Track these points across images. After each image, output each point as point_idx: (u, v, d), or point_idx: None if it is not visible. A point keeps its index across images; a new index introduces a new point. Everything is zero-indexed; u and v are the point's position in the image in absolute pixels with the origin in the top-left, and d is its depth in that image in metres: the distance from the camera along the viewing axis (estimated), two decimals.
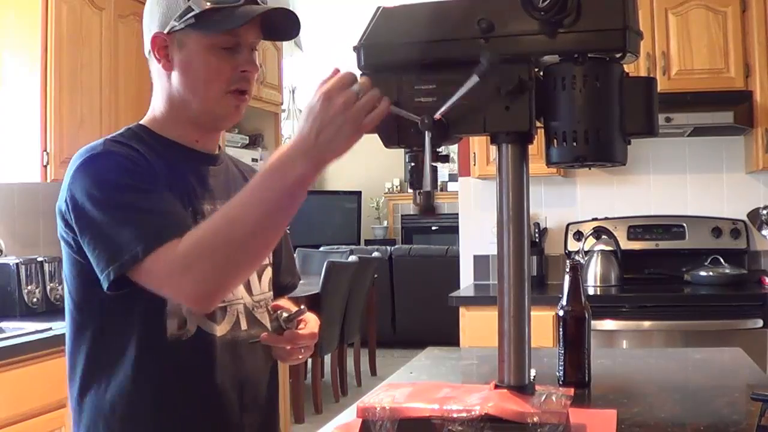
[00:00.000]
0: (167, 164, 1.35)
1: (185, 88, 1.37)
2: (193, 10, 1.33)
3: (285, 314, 1.43)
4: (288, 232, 1.58)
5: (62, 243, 1.34)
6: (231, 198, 1.31)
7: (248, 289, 1.44)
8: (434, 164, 1.27)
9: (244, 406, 1.41)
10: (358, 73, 1.27)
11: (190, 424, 1.35)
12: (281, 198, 1.20)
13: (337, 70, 1.20)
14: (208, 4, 1.33)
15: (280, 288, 1.61)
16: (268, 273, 1.52)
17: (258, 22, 1.37)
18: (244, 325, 1.42)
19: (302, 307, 1.45)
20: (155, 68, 1.40)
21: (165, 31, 1.36)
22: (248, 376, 1.42)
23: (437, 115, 1.19)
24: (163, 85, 1.40)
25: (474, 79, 1.15)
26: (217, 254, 1.19)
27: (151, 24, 1.39)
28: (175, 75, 1.38)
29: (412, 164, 1.25)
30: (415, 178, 1.26)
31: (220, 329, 1.37)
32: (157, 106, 1.42)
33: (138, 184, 1.27)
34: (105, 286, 1.24)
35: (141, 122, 1.43)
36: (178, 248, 1.19)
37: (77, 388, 1.35)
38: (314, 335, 1.47)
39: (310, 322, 1.50)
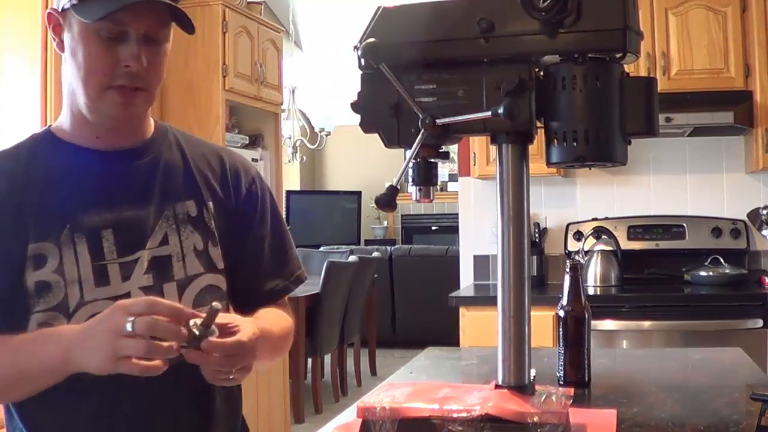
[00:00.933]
0: (53, 175, 1.24)
1: (73, 75, 1.24)
2: None
3: (198, 320, 1.10)
4: (282, 229, 1.44)
5: None
6: (151, 200, 1.26)
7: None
8: (432, 162, 1.27)
9: None
10: (358, 73, 1.27)
11: None
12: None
13: (212, 307, 1.07)
14: None
15: (267, 294, 1.41)
16: (198, 286, 1.28)
17: (155, 11, 1.21)
18: None
19: (214, 304, 1.09)
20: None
21: (59, 9, 1.23)
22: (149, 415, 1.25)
23: (440, 122, 1.19)
24: (63, 70, 1.28)
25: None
26: None
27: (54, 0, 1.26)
28: (66, 59, 1.25)
29: (417, 160, 1.25)
30: (416, 173, 1.26)
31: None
32: (63, 104, 1.30)
33: None
34: None
35: (52, 125, 1.32)
36: None
37: None
38: (241, 344, 1.12)
39: (243, 328, 1.15)
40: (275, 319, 1.36)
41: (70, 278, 1.20)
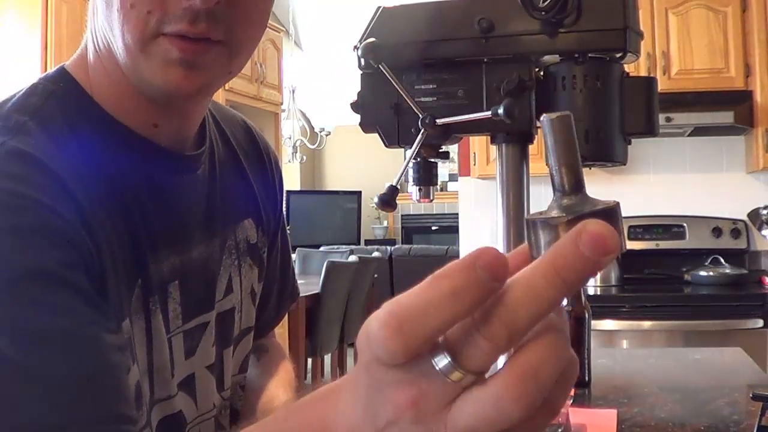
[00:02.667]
0: (117, 184, 0.75)
1: (105, 14, 0.75)
2: None
3: None
4: (286, 234, 1.07)
5: None
6: (215, 225, 0.85)
7: (209, 389, 0.85)
8: (433, 162, 1.27)
9: None
10: (358, 73, 1.27)
11: None
12: None
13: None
14: None
15: (264, 324, 1.04)
16: (248, 343, 0.93)
17: None
18: None
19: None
20: None
21: None
22: None
23: (440, 122, 1.19)
24: (90, 9, 0.80)
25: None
26: None
27: None
28: None
29: (417, 160, 1.25)
30: (416, 173, 1.26)
31: None
32: (88, 45, 0.81)
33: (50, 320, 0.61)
34: None
35: (72, 72, 0.80)
36: None
37: None
38: None
39: None
40: (283, 381, 1.02)
41: (141, 369, 0.75)
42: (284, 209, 4.93)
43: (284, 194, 1.06)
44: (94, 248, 0.68)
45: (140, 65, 0.73)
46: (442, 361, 0.40)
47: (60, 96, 0.77)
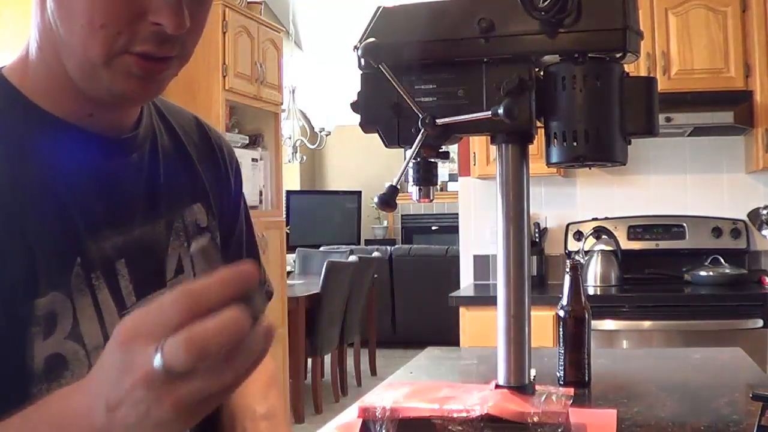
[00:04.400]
0: (41, 172, 0.80)
1: (64, 22, 0.78)
2: None
3: None
4: (251, 227, 1.11)
5: None
6: (160, 207, 0.90)
7: None
8: (432, 162, 1.27)
9: None
10: (358, 73, 1.27)
11: None
12: None
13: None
14: None
15: None
16: None
17: None
18: None
19: None
20: None
21: None
22: None
23: (440, 122, 1.19)
24: (35, 8, 0.82)
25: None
26: None
27: None
28: None
29: (417, 160, 1.25)
30: (416, 173, 1.26)
31: None
32: (31, 43, 0.84)
33: None
34: None
35: (6, 74, 0.85)
36: None
37: None
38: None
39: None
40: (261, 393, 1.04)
41: (92, 343, 0.80)
42: (283, 209, 4.94)
43: (242, 186, 1.10)
44: (13, 250, 0.74)
45: (100, 75, 0.78)
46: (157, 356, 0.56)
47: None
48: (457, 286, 4.17)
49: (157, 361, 0.56)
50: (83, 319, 0.79)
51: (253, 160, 4.11)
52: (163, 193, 0.92)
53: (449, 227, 9.32)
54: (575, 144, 1.18)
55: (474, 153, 3.93)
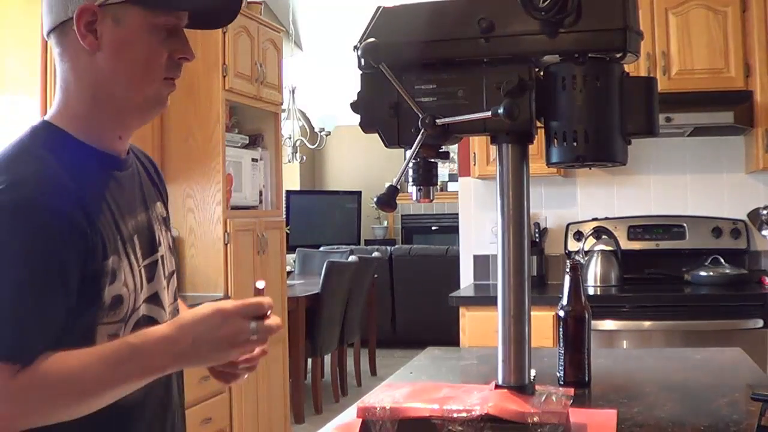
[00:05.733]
0: (93, 184, 1.19)
1: (116, 71, 1.19)
2: None
3: None
4: None
5: None
6: (146, 203, 1.29)
7: (162, 305, 1.29)
8: (432, 162, 1.27)
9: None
10: (358, 73, 1.28)
11: None
12: (134, 381, 1.12)
13: (256, 289, 1.20)
14: None
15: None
16: (174, 282, 1.37)
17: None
18: None
19: (258, 283, 1.24)
20: (69, 49, 1.20)
21: (96, 3, 1.16)
22: (171, 401, 1.33)
23: (440, 122, 1.19)
24: (83, 69, 1.20)
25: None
26: (45, 408, 1.08)
27: None
28: (102, 56, 1.18)
29: (417, 160, 1.25)
30: (416, 173, 1.26)
31: None
32: (72, 100, 1.22)
33: (45, 271, 1.09)
34: None
35: (52, 121, 1.23)
36: (18, 379, 1.05)
37: None
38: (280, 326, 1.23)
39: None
40: None
41: (131, 289, 1.20)
42: (283, 209, 4.95)
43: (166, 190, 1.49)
44: (86, 223, 1.14)
45: (150, 98, 1.24)
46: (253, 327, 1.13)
47: (45, 137, 1.21)
48: (457, 286, 4.17)
49: (253, 324, 1.13)
50: (126, 273, 1.20)
51: (253, 160, 4.11)
52: (145, 193, 1.33)
53: (449, 227, 9.32)
54: (575, 144, 1.18)
55: (474, 153, 3.92)
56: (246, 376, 1.33)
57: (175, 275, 1.38)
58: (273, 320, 1.16)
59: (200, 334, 1.11)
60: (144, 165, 1.38)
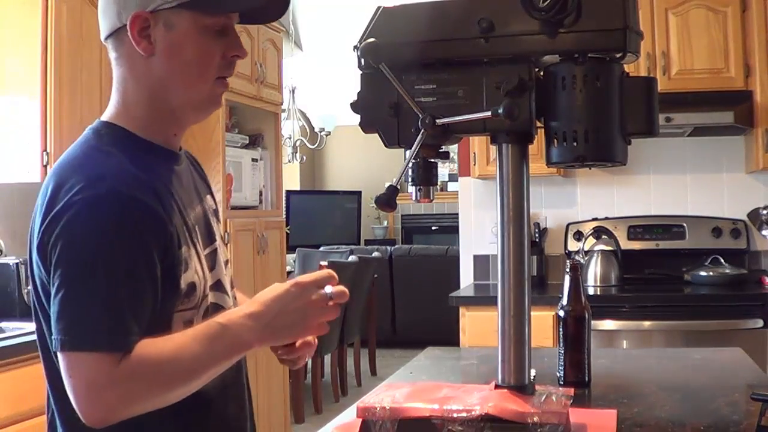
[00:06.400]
0: (159, 177, 1.25)
1: (171, 74, 1.25)
2: None
3: None
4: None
5: (35, 256, 1.18)
6: (201, 195, 1.36)
7: (226, 291, 1.35)
8: (432, 162, 1.27)
9: (243, 416, 1.39)
10: (358, 73, 1.28)
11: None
12: (226, 358, 1.18)
13: (321, 266, 1.24)
14: None
15: None
16: (231, 270, 1.43)
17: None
18: None
19: (322, 263, 1.32)
20: (125, 54, 1.25)
21: (148, 10, 1.21)
22: (242, 384, 1.40)
23: (440, 122, 1.19)
24: (139, 73, 1.26)
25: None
26: (148, 393, 1.13)
27: (123, 3, 1.23)
28: (157, 60, 1.24)
29: (417, 160, 1.25)
30: (416, 173, 1.26)
31: None
32: (130, 101, 1.27)
33: (133, 261, 1.14)
34: (52, 346, 1.14)
35: (111, 121, 1.28)
36: (120, 368, 1.09)
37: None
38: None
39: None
40: None
41: (200, 276, 1.26)
42: (283, 209, 4.94)
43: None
44: (164, 214, 1.20)
45: (205, 97, 1.29)
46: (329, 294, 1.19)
47: (111, 134, 1.26)
48: (457, 286, 4.17)
49: (329, 289, 1.18)
50: (195, 262, 1.25)
51: (253, 160, 4.11)
52: (198, 187, 1.39)
53: (449, 227, 9.32)
54: (575, 144, 1.18)
55: (474, 153, 3.92)
56: (308, 357, 1.43)
57: (229, 264, 1.43)
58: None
59: (283, 305, 1.17)
60: (190, 160, 1.44)
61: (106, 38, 1.27)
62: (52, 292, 1.13)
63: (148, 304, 1.15)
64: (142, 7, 1.21)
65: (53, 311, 1.12)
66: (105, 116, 1.29)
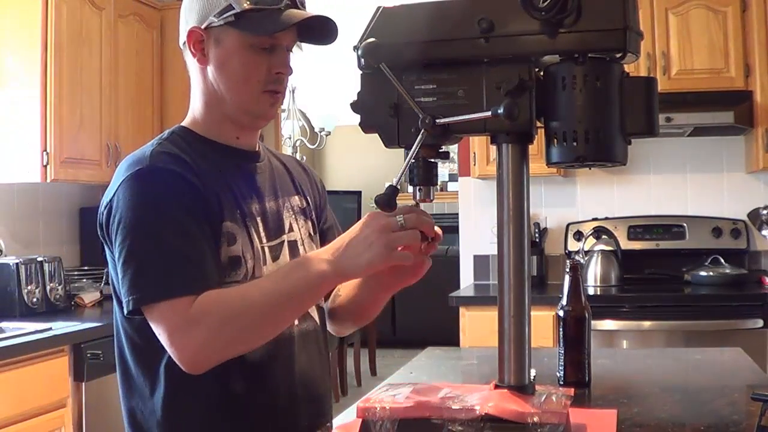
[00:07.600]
0: (213, 167, 1.38)
1: (220, 84, 1.39)
2: (233, 8, 1.34)
3: None
4: (327, 224, 1.63)
5: (105, 247, 1.35)
6: (278, 194, 1.47)
7: None
8: (432, 162, 1.27)
9: (301, 404, 1.43)
10: (358, 73, 1.28)
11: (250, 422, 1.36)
12: (299, 291, 1.26)
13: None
14: (247, 4, 1.34)
15: None
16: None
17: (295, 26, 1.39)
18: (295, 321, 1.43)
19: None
20: (191, 62, 1.42)
21: (202, 26, 1.37)
22: (304, 370, 1.44)
23: (440, 122, 1.19)
24: (199, 80, 1.42)
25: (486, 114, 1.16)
26: (225, 328, 1.23)
27: (188, 17, 1.39)
28: (210, 70, 1.40)
29: (416, 160, 1.25)
30: (416, 173, 1.26)
31: None
32: (195, 105, 1.45)
33: (178, 219, 1.28)
34: (125, 310, 1.27)
35: (182, 124, 1.45)
36: (193, 307, 1.22)
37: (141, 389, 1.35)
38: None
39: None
40: None
41: (249, 256, 1.37)
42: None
43: (326, 196, 1.68)
44: (199, 183, 1.32)
45: (252, 108, 1.41)
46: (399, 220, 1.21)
47: (175, 133, 1.43)
48: (457, 286, 4.17)
49: (400, 218, 1.21)
50: (245, 243, 1.36)
51: None
52: (279, 186, 1.50)
53: (449, 227, 9.28)
54: (575, 144, 1.18)
55: (474, 153, 3.93)
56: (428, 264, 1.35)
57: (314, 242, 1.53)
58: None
59: (352, 234, 1.24)
60: (284, 163, 1.57)
61: (182, 46, 1.43)
62: (117, 264, 1.28)
63: (201, 247, 1.28)
64: (198, 23, 1.37)
65: (118, 279, 1.28)
66: (183, 121, 1.47)
